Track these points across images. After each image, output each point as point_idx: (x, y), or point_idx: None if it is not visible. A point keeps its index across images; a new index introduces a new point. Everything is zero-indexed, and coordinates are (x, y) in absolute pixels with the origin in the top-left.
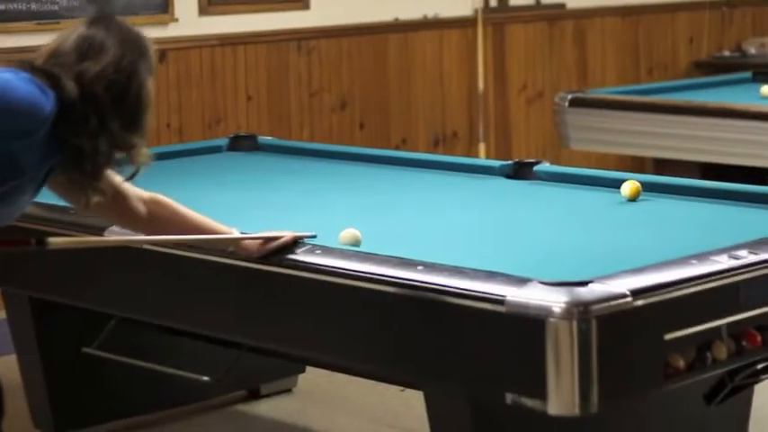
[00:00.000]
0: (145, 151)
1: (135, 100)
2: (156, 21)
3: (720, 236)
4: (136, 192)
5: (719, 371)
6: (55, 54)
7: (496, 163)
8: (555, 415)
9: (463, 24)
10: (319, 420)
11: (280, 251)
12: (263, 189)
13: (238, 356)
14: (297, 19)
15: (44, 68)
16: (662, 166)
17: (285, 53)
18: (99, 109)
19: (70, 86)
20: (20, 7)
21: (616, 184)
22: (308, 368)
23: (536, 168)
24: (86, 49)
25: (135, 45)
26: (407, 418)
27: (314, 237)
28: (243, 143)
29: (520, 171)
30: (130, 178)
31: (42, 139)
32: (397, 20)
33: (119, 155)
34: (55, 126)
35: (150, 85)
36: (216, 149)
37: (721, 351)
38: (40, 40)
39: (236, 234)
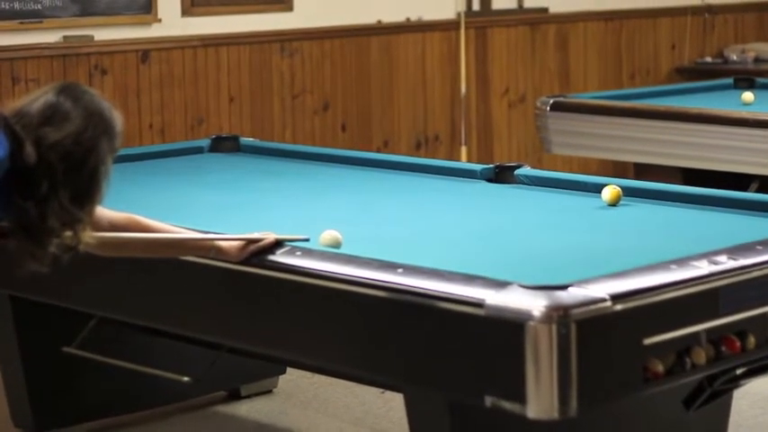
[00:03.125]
0: (89, 230)
1: (89, 175)
2: (139, 21)
3: (700, 241)
4: (109, 218)
5: (698, 376)
6: (20, 113)
7: (478, 166)
8: (534, 418)
9: (446, 27)
10: (299, 421)
11: (260, 253)
12: (244, 190)
13: (217, 357)
14: (280, 20)
15: (11, 124)
16: (643, 171)
17: (268, 54)
18: (51, 176)
19: (29, 150)
20: (2, 6)
21: (597, 189)
22: (289, 369)
23: (517, 172)
24: (50, 115)
25: (100, 121)
26: (387, 419)
27: (306, 240)
28: (225, 144)
29: (501, 175)
30: (66, 256)
31: None
32: (379, 22)
33: (63, 227)
34: (6, 181)
35: (109, 163)
36: (197, 150)
37: (700, 356)
38: (23, 39)
39: (218, 236)
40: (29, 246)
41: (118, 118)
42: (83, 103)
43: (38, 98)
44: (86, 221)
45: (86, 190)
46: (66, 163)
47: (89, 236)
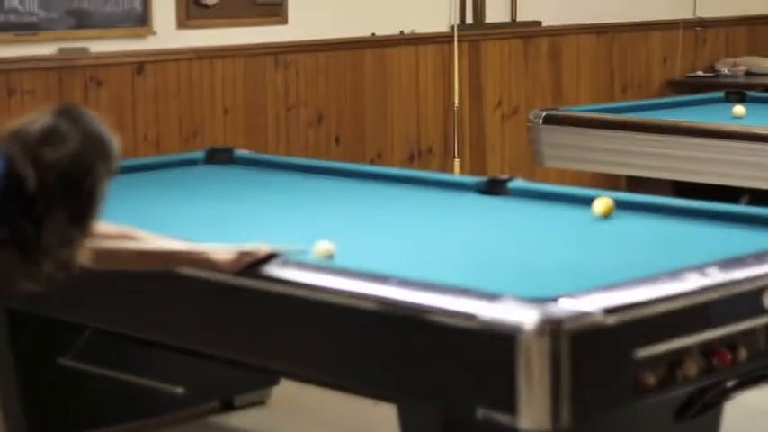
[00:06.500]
0: (85, 249)
1: (86, 196)
2: (134, 33)
3: (692, 254)
4: (102, 230)
5: (690, 388)
6: (18, 133)
7: (471, 179)
8: (526, 430)
9: (439, 41)
10: None
11: (253, 265)
12: (238, 202)
13: (211, 368)
14: (274, 33)
15: (10, 144)
16: (635, 183)
17: (262, 67)
18: (48, 196)
19: (27, 170)
20: None
21: (589, 202)
22: (282, 380)
23: (510, 185)
24: (48, 135)
25: (98, 144)
26: (380, 431)
27: (302, 251)
28: (219, 156)
29: (494, 187)
30: (61, 275)
31: None
32: (373, 35)
33: (58, 246)
34: (3, 200)
35: (106, 185)
36: (192, 162)
37: (692, 369)
38: (19, 51)
39: (211, 247)
40: (23, 264)
41: (115, 141)
42: (81, 125)
43: (36, 119)
44: (82, 241)
45: (83, 210)
46: (63, 183)
47: (84, 255)
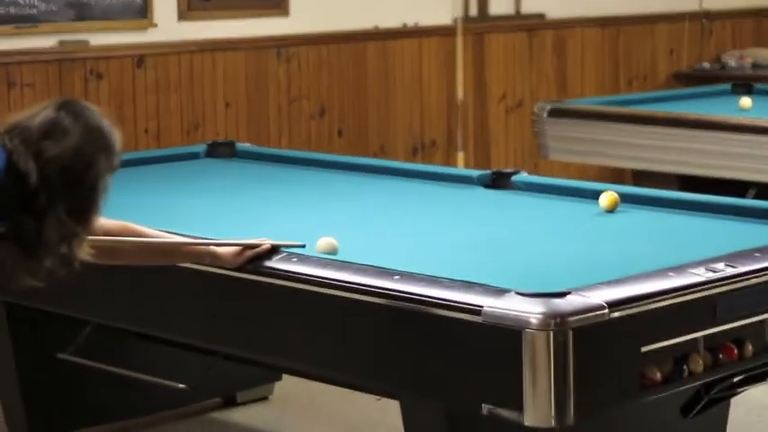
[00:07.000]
0: (86, 244)
1: (88, 191)
2: (135, 26)
3: (698, 248)
4: (103, 225)
5: (696, 383)
6: (19, 127)
7: (475, 172)
8: (531, 426)
9: (443, 33)
10: (295, 428)
11: (256, 259)
12: (240, 196)
13: (213, 364)
14: (276, 26)
15: (11, 138)
16: (640, 177)
17: (264, 60)
18: (50, 190)
19: (29, 163)
20: None
21: (594, 195)
22: (285, 376)
23: (514, 178)
24: (50, 129)
25: (99, 139)
26: (383, 427)
27: (302, 246)
28: (221, 150)
29: (498, 181)
30: (62, 271)
31: None
32: (376, 28)
33: (59, 241)
34: (4, 194)
35: (108, 180)
36: (193, 156)
37: (698, 364)
38: (19, 44)
39: (214, 242)
40: (24, 259)
41: (117, 136)
42: (82, 120)
43: (38, 113)
44: (83, 236)
45: (84, 205)
46: (65, 177)
47: (85, 250)
